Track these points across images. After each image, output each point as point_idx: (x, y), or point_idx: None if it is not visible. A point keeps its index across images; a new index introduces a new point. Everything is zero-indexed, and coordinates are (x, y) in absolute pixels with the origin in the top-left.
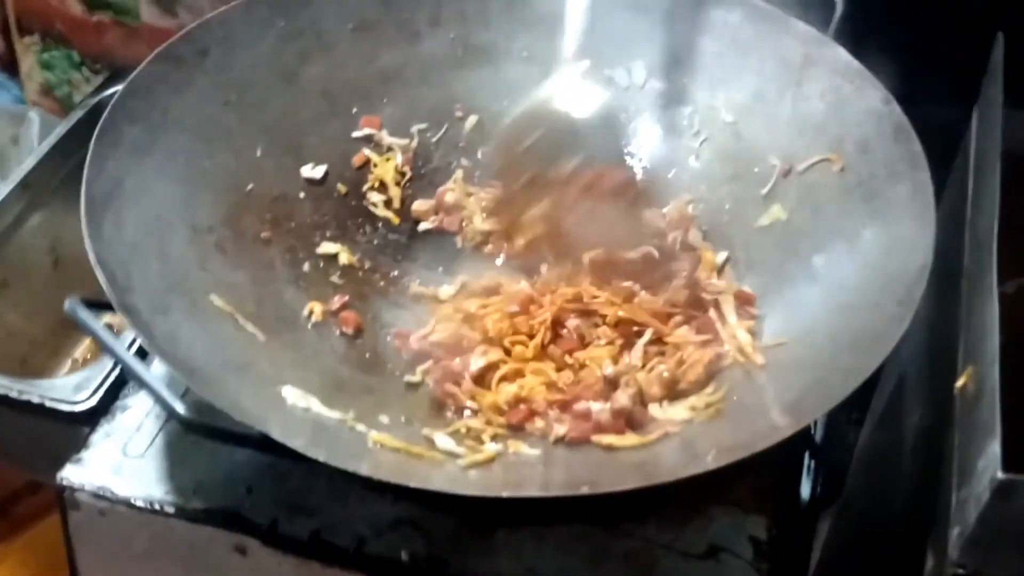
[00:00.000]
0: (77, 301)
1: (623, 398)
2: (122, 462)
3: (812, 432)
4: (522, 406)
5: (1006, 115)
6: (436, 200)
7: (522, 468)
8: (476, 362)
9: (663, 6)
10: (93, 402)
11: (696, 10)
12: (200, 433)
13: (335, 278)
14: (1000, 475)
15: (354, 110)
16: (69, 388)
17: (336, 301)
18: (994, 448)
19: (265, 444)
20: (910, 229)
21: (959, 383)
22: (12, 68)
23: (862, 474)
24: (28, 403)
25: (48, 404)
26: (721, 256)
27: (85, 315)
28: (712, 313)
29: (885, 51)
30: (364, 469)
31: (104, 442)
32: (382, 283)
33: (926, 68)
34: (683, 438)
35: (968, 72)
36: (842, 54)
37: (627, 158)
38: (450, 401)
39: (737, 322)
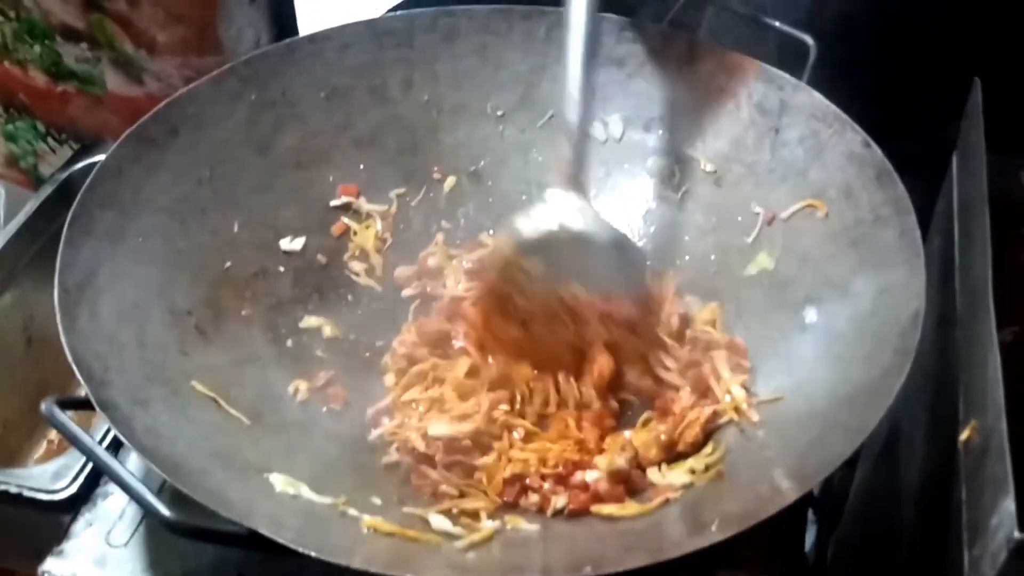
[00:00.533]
0: (53, 403)
1: (619, 461)
2: (105, 552)
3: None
4: (515, 483)
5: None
6: (419, 265)
7: (521, 547)
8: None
9: (637, 58)
10: (73, 490)
11: (670, 61)
12: (188, 535)
13: (319, 352)
14: (1017, 534)
15: (330, 179)
16: (47, 476)
17: (321, 377)
18: (1008, 505)
19: (254, 541)
20: (900, 275)
21: (963, 436)
22: None
23: (857, 522)
24: (5, 493)
25: (26, 494)
26: (713, 305)
27: (63, 418)
28: (705, 368)
29: (859, 94)
30: (357, 562)
31: (86, 532)
32: (367, 354)
33: (900, 111)
34: (685, 504)
35: (943, 115)
36: (818, 99)
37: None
38: (425, 484)
39: (730, 376)
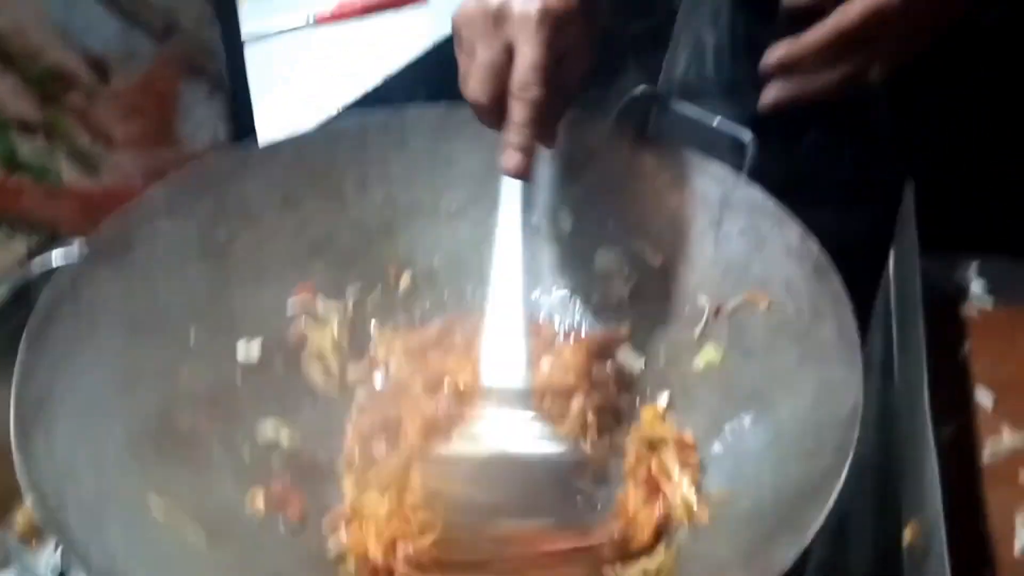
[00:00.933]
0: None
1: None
2: None
3: None
4: None
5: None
6: (367, 361)
7: None
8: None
9: (585, 152)
10: None
11: (617, 155)
12: None
13: (277, 463)
14: None
15: (287, 280)
16: None
17: (279, 490)
18: None
19: None
20: (838, 370)
21: (905, 535)
22: None
23: None
24: None
25: None
26: (663, 399)
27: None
28: (653, 464)
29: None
30: None
31: None
32: (327, 462)
33: (837, 210)
34: None
35: (880, 213)
36: (758, 193)
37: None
38: None
39: (680, 472)
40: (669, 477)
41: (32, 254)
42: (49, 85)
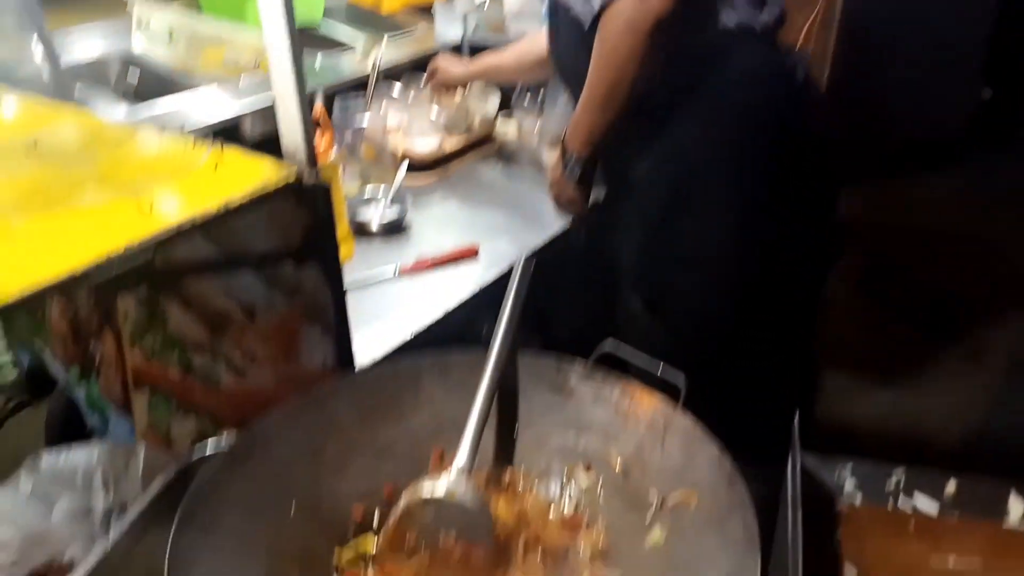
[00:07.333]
0: None
1: None
2: None
3: None
4: None
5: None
6: None
7: None
8: None
9: (569, 385)
10: None
11: (592, 389)
12: None
13: None
14: None
15: (360, 475)
16: None
17: None
18: None
19: None
20: (742, 560)
21: None
22: (128, 410)
23: None
24: None
25: None
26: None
27: None
28: None
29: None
30: None
31: None
32: None
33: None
34: None
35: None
36: (689, 420)
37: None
38: None
39: None
40: None
41: (199, 433)
42: (215, 321)
